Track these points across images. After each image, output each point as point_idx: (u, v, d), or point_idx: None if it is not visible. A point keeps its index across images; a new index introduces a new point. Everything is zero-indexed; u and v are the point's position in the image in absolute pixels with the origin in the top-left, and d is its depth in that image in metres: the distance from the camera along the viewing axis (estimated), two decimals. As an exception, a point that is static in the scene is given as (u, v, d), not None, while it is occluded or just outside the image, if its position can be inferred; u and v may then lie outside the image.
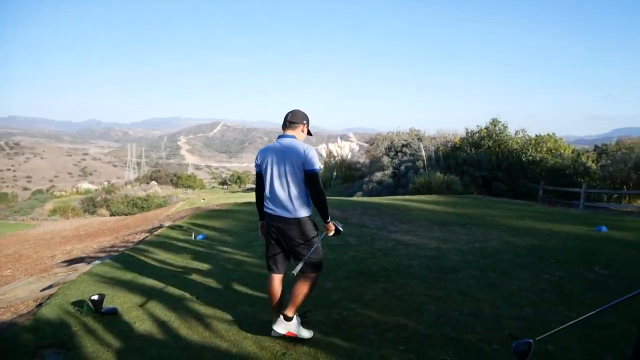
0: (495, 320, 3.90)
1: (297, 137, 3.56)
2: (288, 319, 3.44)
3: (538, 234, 7.74)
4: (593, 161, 19.15)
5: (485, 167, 17.40)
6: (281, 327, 3.43)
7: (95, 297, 4.17)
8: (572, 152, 19.32)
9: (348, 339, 3.49)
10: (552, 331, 2.81)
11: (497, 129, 19.36)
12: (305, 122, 3.62)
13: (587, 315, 2.68)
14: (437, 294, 4.56)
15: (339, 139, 29.21)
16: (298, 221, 3.43)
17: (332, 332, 3.63)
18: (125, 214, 26.21)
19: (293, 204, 3.42)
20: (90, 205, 33.66)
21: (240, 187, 61.99)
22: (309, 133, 3.75)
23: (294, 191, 3.41)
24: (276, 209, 3.47)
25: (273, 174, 3.47)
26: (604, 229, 8.38)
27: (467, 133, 20.27)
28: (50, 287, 5.51)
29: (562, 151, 18.87)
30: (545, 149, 18.69)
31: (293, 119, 3.57)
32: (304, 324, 3.74)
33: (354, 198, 15.96)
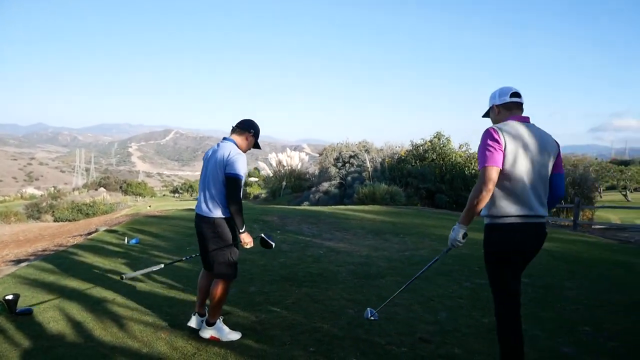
0: (408, 324, 4.00)
1: (238, 144, 3.60)
2: (209, 324, 3.54)
3: (468, 244, 7.90)
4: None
5: (429, 179, 17.92)
6: (205, 332, 3.54)
7: (10, 297, 4.11)
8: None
9: (261, 341, 3.55)
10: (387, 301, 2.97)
11: (441, 142, 19.94)
12: (252, 131, 3.65)
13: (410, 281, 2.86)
14: (358, 298, 4.69)
15: (288, 149, 29.32)
16: (212, 221, 3.49)
17: (246, 333, 3.68)
18: (70, 220, 25.45)
19: (209, 204, 3.49)
20: (35, 211, 32.60)
21: (192, 195, 61.11)
22: (256, 145, 3.78)
23: (212, 191, 3.48)
24: (198, 206, 3.59)
25: (203, 172, 3.63)
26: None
27: (412, 146, 20.77)
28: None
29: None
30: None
31: (240, 125, 3.65)
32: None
33: (298, 207, 16.09)
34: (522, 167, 2.65)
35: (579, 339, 3.78)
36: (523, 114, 2.85)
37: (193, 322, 3.69)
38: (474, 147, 20.84)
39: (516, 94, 2.83)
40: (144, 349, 3.39)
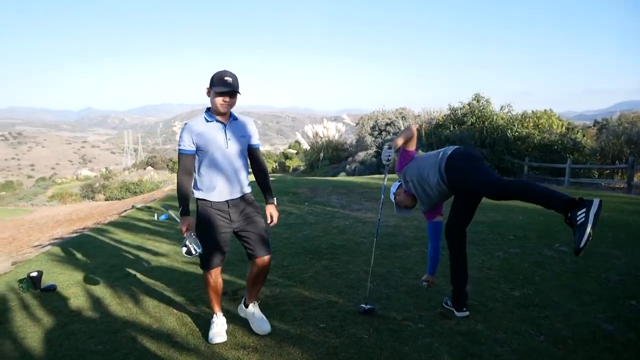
0: (429, 297, 3.76)
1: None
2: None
3: (504, 210, 7.64)
4: (584, 136, 18.80)
5: (469, 143, 17.21)
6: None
7: (34, 274, 4.27)
8: (564, 128, 18.87)
9: (271, 316, 3.43)
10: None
11: (480, 104, 19.06)
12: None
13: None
14: (379, 271, 4.47)
15: (325, 120, 28.97)
16: None
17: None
18: (118, 199, 26.40)
19: None
20: (89, 191, 34.12)
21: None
22: (220, 93, 2.93)
23: None
24: None
25: None
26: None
27: (450, 110, 20.03)
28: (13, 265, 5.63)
29: (552, 127, 18.51)
30: (531, 125, 18.42)
31: None
32: (233, 301, 3.77)
33: (334, 178, 15.92)
34: None
35: (621, 314, 3.38)
36: None
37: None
38: (517, 109, 19.84)
39: None
40: (154, 325, 3.39)
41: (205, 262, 3.13)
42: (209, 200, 3.05)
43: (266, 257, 3.11)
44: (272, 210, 3.24)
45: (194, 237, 2.92)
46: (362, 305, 3.53)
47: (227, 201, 3.05)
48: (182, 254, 2.94)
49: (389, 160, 3.32)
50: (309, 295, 3.91)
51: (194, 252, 2.89)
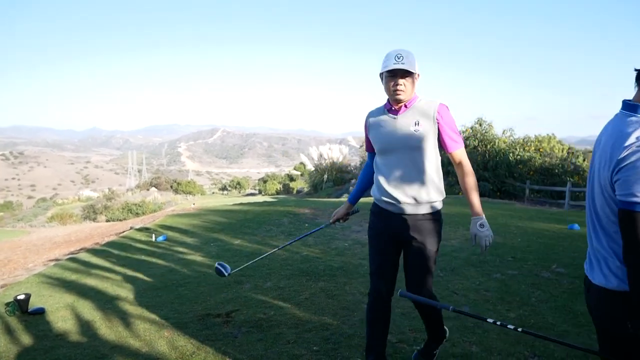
0: None
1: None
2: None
3: (505, 232, 7.60)
4: (584, 160, 18.95)
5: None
6: None
7: (21, 297, 4.15)
8: (565, 152, 19.06)
9: (264, 339, 3.37)
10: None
11: (483, 128, 19.20)
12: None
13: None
14: (376, 292, 4.44)
15: (328, 143, 29.09)
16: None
17: (250, 331, 3.53)
18: (120, 220, 26.31)
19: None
20: (91, 212, 33.99)
21: (240, 192, 62.06)
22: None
23: None
24: None
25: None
26: (576, 226, 8.22)
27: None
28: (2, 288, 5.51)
29: (554, 150, 18.66)
30: (533, 148, 18.54)
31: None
32: (227, 324, 3.69)
33: (335, 199, 15.87)
34: None
35: None
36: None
37: None
38: (520, 133, 19.97)
39: None
40: (143, 349, 3.29)
41: None
42: None
43: None
44: None
45: None
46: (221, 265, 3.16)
47: None
48: None
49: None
50: (303, 317, 3.82)
51: None
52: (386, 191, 2.59)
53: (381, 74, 2.48)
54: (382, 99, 2.63)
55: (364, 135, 2.76)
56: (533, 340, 3.27)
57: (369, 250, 2.82)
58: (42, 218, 35.16)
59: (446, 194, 2.68)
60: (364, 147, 3.01)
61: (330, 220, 3.09)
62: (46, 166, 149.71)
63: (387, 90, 2.47)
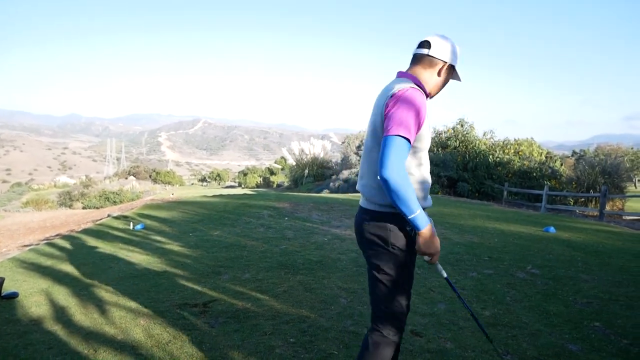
0: None
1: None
2: None
3: (481, 233, 7.73)
4: (562, 164, 19.36)
5: (451, 167, 17.42)
6: None
7: (-5, 281, 4.08)
8: (543, 156, 19.46)
9: (241, 330, 3.38)
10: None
11: (464, 129, 19.39)
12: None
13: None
14: (353, 287, 4.45)
15: (311, 138, 29.07)
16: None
17: (227, 322, 3.53)
18: (96, 208, 25.94)
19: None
20: (67, 199, 33.47)
21: (219, 184, 61.67)
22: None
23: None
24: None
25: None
26: (551, 229, 8.39)
27: (434, 133, 20.23)
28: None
29: (533, 154, 19.01)
30: (512, 151, 18.84)
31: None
32: (204, 314, 3.68)
33: (315, 194, 15.90)
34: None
35: (586, 335, 3.44)
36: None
37: None
38: (499, 135, 20.26)
39: None
40: (119, 336, 3.27)
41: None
42: None
43: None
44: None
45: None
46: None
47: None
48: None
49: None
50: (281, 309, 3.83)
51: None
52: (429, 197, 2.22)
53: (449, 65, 2.13)
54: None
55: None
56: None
57: (405, 280, 2.15)
58: (17, 203, 34.51)
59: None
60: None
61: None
62: (22, 150, 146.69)
63: (442, 82, 2.16)
